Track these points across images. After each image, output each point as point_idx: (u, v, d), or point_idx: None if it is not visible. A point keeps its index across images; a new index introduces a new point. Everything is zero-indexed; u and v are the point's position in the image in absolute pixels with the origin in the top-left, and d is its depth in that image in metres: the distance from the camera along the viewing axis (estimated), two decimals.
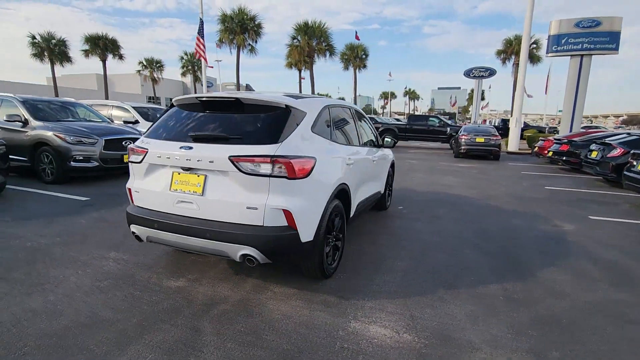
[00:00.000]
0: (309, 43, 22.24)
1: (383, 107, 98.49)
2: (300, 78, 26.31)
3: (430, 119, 20.25)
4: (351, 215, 3.59)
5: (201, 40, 17.18)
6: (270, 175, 2.44)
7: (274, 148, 2.47)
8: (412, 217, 5.24)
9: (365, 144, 4.32)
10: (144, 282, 2.96)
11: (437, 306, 2.73)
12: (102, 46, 29.62)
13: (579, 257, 3.82)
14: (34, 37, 29.71)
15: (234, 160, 2.43)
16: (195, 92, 45.83)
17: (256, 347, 2.18)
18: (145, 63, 37.91)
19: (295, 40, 22.79)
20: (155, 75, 38.79)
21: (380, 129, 20.22)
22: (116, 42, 30.55)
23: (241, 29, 23.18)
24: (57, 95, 27.98)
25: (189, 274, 3.14)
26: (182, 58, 38.37)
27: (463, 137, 14.37)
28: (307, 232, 2.62)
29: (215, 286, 2.94)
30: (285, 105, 2.76)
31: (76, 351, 2.09)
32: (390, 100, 78.69)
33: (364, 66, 31.20)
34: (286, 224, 2.50)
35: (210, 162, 2.51)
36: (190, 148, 2.59)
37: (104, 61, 30.62)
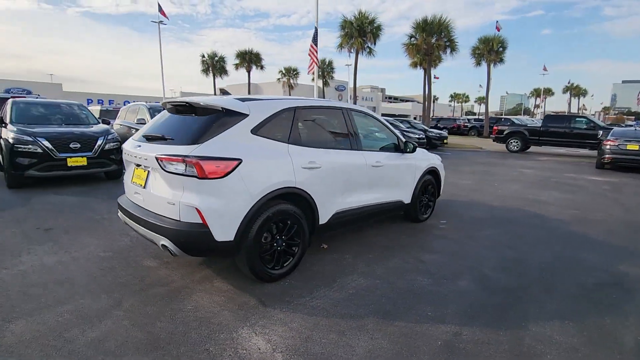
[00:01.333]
0: (427, 40, 20.90)
1: (537, 106, 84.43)
2: (429, 78, 24.68)
3: (576, 119, 16.46)
4: (321, 223, 3.41)
5: (314, 47, 18.35)
6: (183, 174, 2.60)
7: (190, 149, 2.62)
8: (442, 234, 4.53)
9: (367, 148, 3.99)
10: (132, 259, 3.52)
11: (348, 335, 2.39)
12: (247, 59, 34.90)
13: None
14: (203, 56, 37.09)
15: (158, 158, 2.69)
16: (324, 96, 48.75)
17: (140, 328, 2.38)
18: (284, 71, 42.55)
19: (412, 39, 21.81)
20: (291, 82, 43.10)
21: (505, 132, 17.65)
22: (259, 55, 35.54)
23: (359, 33, 23.60)
24: None
25: (167, 257, 3.57)
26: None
27: (608, 143, 11.26)
28: (223, 232, 2.67)
29: (174, 270, 3.27)
30: (222, 107, 2.87)
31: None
32: (545, 97, 66.72)
33: (500, 60, 27.45)
34: (200, 222, 2.62)
35: (145, 159, 2.84)
36: (139, 146, 2.98)
37: (249, 72, 35.99)
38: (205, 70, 37.85)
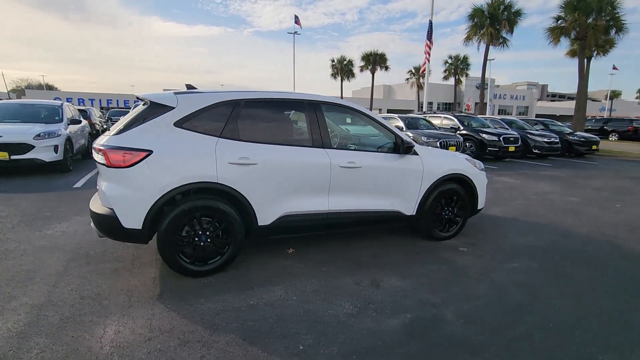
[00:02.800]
0: (580, 20, 16.51)
1: None
2: (583, 68, 19.87)
3: None
4: (262, 224, 3.16)
5: (429, 43, 17.02)
6: (99, 163, 2.81)
7: (107, 139, 2.81)
8: (446, 261, 3.57)
9: (339, 147, 3.49)
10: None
11: (186, 347, 2.14)
12: (372, 61, 34.97)
13: None
14: (333, 60, 39.07)
15: (94, 148, 2.97)
16: (456, 95, 44.27)
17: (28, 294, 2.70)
18: (413, 71, 40.99)
19: (560, 22, 17.57)
20: (420, 82, 41.18)
21: None
22: (384, 56, 35.16)
23: (491, 22, 20.59)
24: (371, 107, 35.24)
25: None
26: (446, 62, 38.58)
27: None
28: (129, 219, 2.77)
29: (134, 249, 3.57)
30: (149, 100, 2.97)
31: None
32: None
33: None
34: (112, 207, 2.79)
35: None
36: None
37: (373, 73, 36.03)
38: (334, 74, 39.71)
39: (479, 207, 4.29)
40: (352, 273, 3.22)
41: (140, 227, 2.80)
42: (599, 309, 2.73)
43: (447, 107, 50.12)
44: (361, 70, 36.59)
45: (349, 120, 4.90)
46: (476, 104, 31.28)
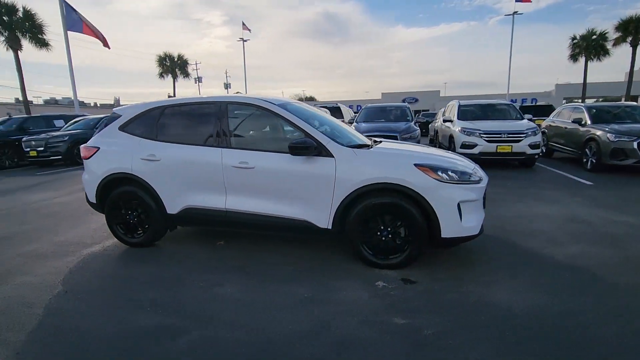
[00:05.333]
0: None
1: None
2: None
3: None
4: (170, 212, 3.64)
5: None
6: None
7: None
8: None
9: (240, 146, 3.42)
10: None
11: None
12: (632, 29, 24.59)
13: None
14: (574, 38, 30.45)
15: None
16: None
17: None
18: None
19: None
20: None
21: None
22: None
23: None
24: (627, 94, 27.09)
25: None
26: None
27: None
28: (90, 196, 3.94)
29: None
30: (113, 111, 4.02)
31: None
32: None
33: None
34: (83, 186, 4.06)
35: None
36: None
37: (634, 47, 25.30)
38: (576, 55, 30.98)
39: (444, 235, 3.01)
40: (220, 284, 3.19)
41: (96, 202, 3.93)
42: None
43: None
44: (614, 45, 26.45)
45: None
46: None
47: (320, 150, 3.18)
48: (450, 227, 3.00)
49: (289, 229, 3.38)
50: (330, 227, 3.22)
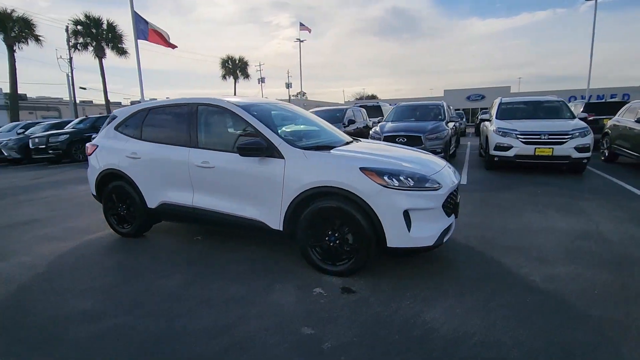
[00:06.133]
0: None
1: None
2: None
3: None
4: (150, 207, 3.91)
5: None
6: None
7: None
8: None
9: (207, 146, 3.54)
10: None
11: None
12: None
13: None
14: None
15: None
16: None
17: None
18: None
19: None
20: None
21: None
22: None
23: None
24: None
25: None
26: None
27: None
28: (92, 188, 4.40)
29: None
30: (112, 113, 4.43)
31: None
32: None
33: None
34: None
35: None
36: None
37: None
38: None
39: (390, 245, 2.81)
40: (173, 273, 3.36)
41: (96, 194, 4.39)
42: None
43: None
44: None
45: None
46: None
47: (272, 152, 3.18)
48: (396, 237, 2.80)
49: (248, 228, 3.43)
50: (281, 228, 3.20)
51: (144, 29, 18.38)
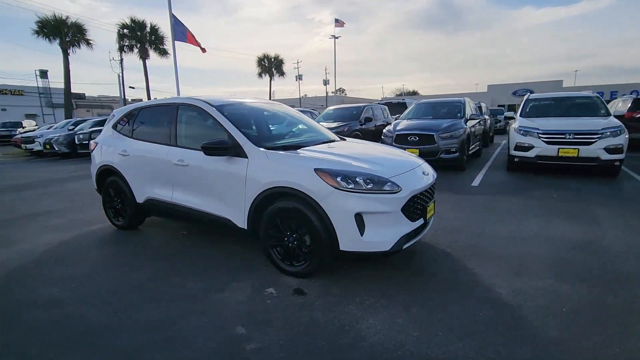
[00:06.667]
0: None
1: None
2: None
3: None
4: (138, 201, 4.12)
5: None
6: None
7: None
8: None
9: (185, 145, 3.65)
10: None
11: None
12: None
13: None
14: None
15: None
16: None
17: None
18: None
19: None
20: None
21: None
22: None
23: None
24: None
25: None
26: None
27: None
28: (93, 181, 4.71)
29: None
30: (113, 111, 4.70)
31: None
32: None
33: None
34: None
35: None
36: None
37: None
38: None
39: (342, 248, 2.75)
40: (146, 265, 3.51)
41: (97, 188, 4.70)
42: None
43: None
44: None
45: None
46: None
47: (238, 151, 3.21)
48: (349, 240, 2.72)
49: (218, 225, 3.50)
50: (246, 227, 3.24)
51: (183, 31, 19.31)
